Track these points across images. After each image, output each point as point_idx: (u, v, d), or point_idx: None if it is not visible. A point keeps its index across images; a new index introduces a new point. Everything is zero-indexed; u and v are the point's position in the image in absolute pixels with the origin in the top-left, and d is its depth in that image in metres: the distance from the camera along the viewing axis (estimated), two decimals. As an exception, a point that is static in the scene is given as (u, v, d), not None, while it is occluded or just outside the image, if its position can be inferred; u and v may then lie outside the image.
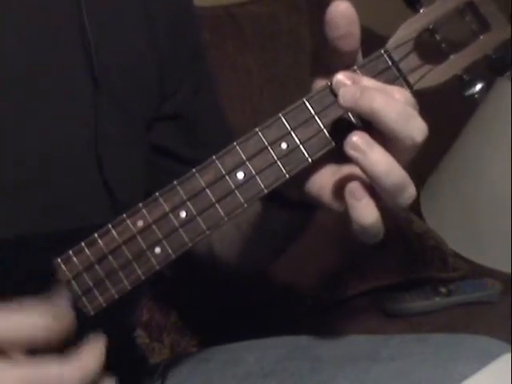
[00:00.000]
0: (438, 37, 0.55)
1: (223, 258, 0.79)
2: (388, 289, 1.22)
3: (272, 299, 1.15)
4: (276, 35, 1.38)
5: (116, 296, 0.56)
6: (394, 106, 0.52)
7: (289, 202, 0.65)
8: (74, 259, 0.55)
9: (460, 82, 0.57)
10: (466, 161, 1.33)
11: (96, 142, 0.65)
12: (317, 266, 1.20)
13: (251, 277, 0.80)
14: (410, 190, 0.54)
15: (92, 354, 0.53)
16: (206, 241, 0.78)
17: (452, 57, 0.56)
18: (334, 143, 0.55)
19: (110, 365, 0.55)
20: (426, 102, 0.58)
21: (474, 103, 1.31)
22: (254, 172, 0.55)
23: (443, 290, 1.21)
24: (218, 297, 1.13)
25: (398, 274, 1.24)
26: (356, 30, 0.55)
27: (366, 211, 0.54)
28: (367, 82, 0.55)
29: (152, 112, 0.73)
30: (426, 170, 1.39)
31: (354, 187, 0.54)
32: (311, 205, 0.64)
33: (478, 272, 1.27)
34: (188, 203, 0.55)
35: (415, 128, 0.53)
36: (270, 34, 1.38)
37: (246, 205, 0.55)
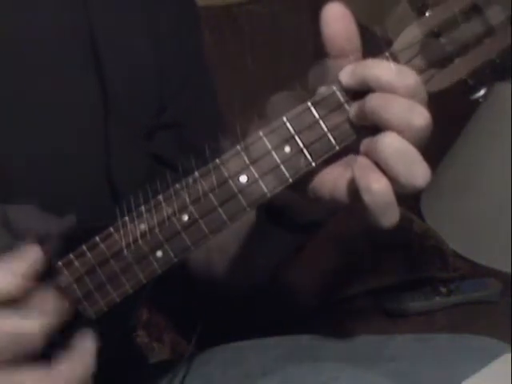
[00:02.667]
0: (442, 40, 0.55)
1: (222, 274, 0.78)
2: (388, 289, 1.22)
3: (272, 299, 1.15)
4: (276, 35, 1.38)
5: (117, 299, 0.56)
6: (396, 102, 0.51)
7: (297, 225, 0.65)
8: (76, 262, 0.55)
9: (465, 86, 0.56)
10: (466, 161, 1.34)
11: (107, 149, 0.65)
12: (317, 265, 1.20)
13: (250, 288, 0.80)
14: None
15: (80, 360, 0.52)
16: (205, 258, 0.78)
17: (457, 61, 0.55)
18: (337, 147, 0.55)
19: (109, 364, 0.55)
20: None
21: (474, 104, 1.31)
22: (257, 176, 0.54)
23: (443, 289, 1.21)
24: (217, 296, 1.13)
25: (398, 274, 1.24)
26: (354, 31, 0.54)
27: (374, 176, 0.51)
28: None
29: (152, 117, 0.72)
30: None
31: (363, 159, 0.53)
32: (317, 226, 0.65)
33: (478, 272, 1.27)
34: (191, 207, 0.54)
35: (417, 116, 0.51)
36: (270, 34, 1.38)
37: (248, 209, 0.55)
